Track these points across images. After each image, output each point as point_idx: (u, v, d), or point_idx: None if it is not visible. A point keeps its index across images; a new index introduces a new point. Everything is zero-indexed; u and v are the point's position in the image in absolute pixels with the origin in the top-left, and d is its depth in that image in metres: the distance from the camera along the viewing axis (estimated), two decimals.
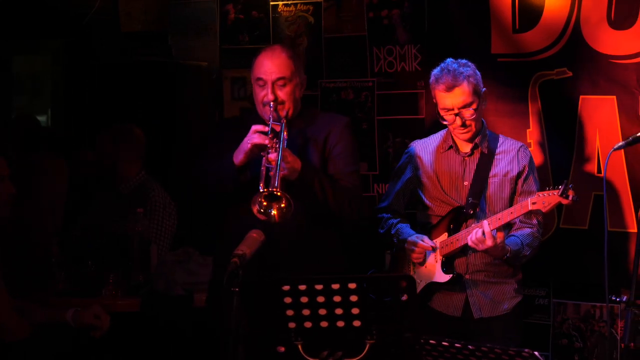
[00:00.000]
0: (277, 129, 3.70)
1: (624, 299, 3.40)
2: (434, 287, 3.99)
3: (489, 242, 3.75)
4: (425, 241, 3.95)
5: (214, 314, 3.81)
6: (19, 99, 7.32)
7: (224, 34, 5.62)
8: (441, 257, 3.96)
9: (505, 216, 3.82)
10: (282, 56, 3.80)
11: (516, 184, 3.98)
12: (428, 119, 4.99)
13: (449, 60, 3.95)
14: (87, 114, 5.80)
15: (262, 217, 3.51)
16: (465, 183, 3.99)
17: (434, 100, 3.98)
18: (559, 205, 3.79)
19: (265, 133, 3.64)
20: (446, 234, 3.96)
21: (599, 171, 4.51)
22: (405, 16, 5.13)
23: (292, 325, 2.87)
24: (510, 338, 3.92)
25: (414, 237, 3.98)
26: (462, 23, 4.91)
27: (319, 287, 2.81)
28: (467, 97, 3.88)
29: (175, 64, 5.71)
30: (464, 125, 3.91)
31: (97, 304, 3.91)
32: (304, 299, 2.82)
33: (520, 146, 4.04)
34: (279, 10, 5.45)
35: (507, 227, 3.93)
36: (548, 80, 4.66)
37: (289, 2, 5.43)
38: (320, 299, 2.81)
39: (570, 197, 3.71)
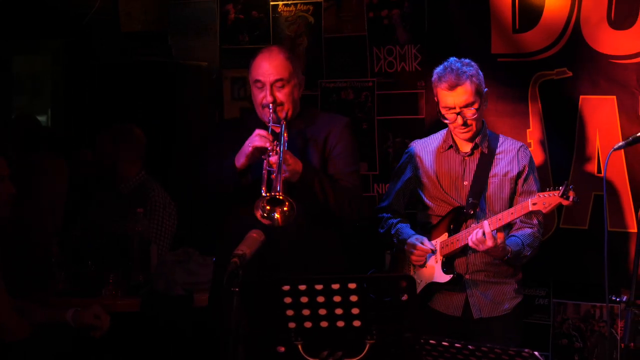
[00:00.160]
0: (277, 130, 3.70)
1: (624, 299, 3.40)
2: (434, 287, 3.99)
3: (489, 243, 3.75)
4: (424, 244, 3.95)
5: (214, 314, 3.81)
6: (19, 99, 7.32)
7: (224, 34, 5.62)
8: (441, 258, 3.96)
9: (505, 217, 3.81)
10: (279, 57, 3.79)
11: (516, 184, 3.98)
12: (428, 119, 4.99)
13: (452, 59, 3.95)
14: (87, 114, 5.80)
15: (266, 221, 3.51)
16: (465, 183, 3.99)
17: (436, 99, 3.98)
18: (560, 206, 3.79)
19: (266, 136, 3.63)
20: (446, 234, 3.96)
21: (599, 171, 4.51)
22: (405, 16, 5.13)
23: (292, 325, 2.86)
24: (510, 338, 3.92)
25: (413, 238, 3.98)
26: (462, 23, 4.91)
27: (319, 287, 2.80)
28: (469, 97, 3.88)
29: (175, 64, 5.71)
30: (465, 124, 3.91)
31: (97, 304, 3.91)
32: (304, 299, 2.82)
33: (521, 146, 4.04)
34: (279, 10, 5.45)
35: (508, 227, 3.93)
36: (548, 80, 4.66)
37: (289, 2, 5.43)
38: (320, 299, 2.81)
39: (570, 198, 3.71)
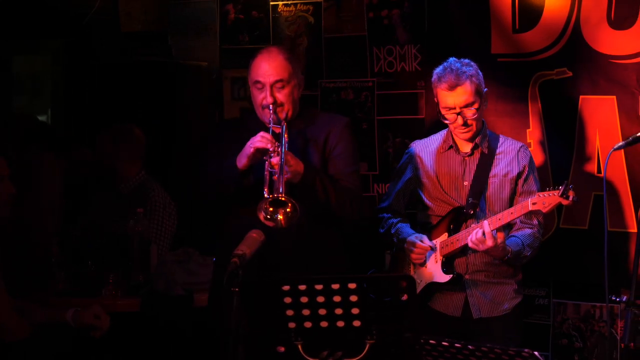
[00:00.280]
0: (278, 131, 3.70)
1: (624, 299, 3.40)
2: (434, 287, 3.99)
3: (489, 243, 3.75)
4: (424, 241, 3.95)
5: (214, 314, 3.81)
6: (19, 99, 7.31)
7: (224, 34, 5.62)
8: (441, 257, 3.96)
9: (505, 216, 3.81)
10: (279, 58, 3.79)
11: (516, 184, 3.98)
12: (428, 119, 4.99)
13: (451, 59, 3.95)
14: (87, 114, 5.79)
15: (269, 223, 3.52)
16: (465, 183, 3.99)
17: (436, 99, 3.98)
18: (559, 206, 3.79)
19: (267, 138, 3.63)
20: (446, 234, 3.96)
21: (599, 171, 4.51)
22: (405, 16, 5.13)
23: (292, 325, 2.87)
24: (510, 338, 3.92)
25: (413, 237, 3.98)
26: (462, 23, 4.91)
27: (318, 287, 2.80)
28: (469, 97, 3.88)
29: (175, 64, 5.70)
30: (465, 124, 3.91)
31: (97, 304, 3.90)
32: (304, 299, 2.82)
33: (521, 146, 4.04)
34: (279, 10, 5.45)
35: (508, 227, 3.93)
36: (548, 80, 4.66)
37: (289, 2, 5.43)
38: (320, 299, 2.81)
39: (570, 198, 3.71)
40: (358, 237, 4.36)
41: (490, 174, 3.98)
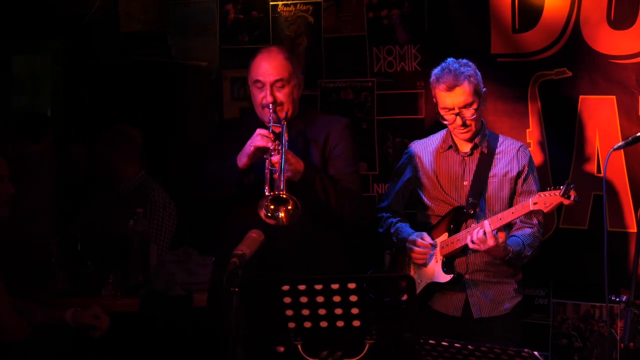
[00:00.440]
0: (278, 130, 3.70)
1: (624, 299, 3.40)
2: (434, 287, 3.99)
3: (490, 242, 3.74)
4: (424, 238, 3.95)
5: (214, 314, 3.81)
6: (19, 99, 7.30)
7: (224, 34, 5.62)
8: (441, 257, 3.96)
9: (506, 216, 3.81)
10: (279, 57, 3.80)
11: (516, 183, 3.98)
12: (428, 119, 4.99)
13: (450, 59, 3.95)
14: (87, 114, 5.79)
15: (270, 221, 3.51)
16: (465, 183, 3.99)
17: (434, 100, 3.98)
18: (560, 205, 3.79)
19: (267, 136, 3.64)
20: (446, 234, 3.96)
21: (599, 171, 4.51)
22: (405, 16, 5.13)
23: (291, 325, 2.87)
24: (510, 338, 3.92)
25: (414, 235, 3.98)
26: (461, 23, 4.91)
27: (318, 287, 2.81)
28: (468, 97, 3.88)
29: (175, 64, 5.70)
30: (464, 125, 3.91)
31: (96, 304, 3.91)
32: (304, 299, 2.82)
33: (520, 146, 4.04)
34: (279, 10, 5.45)
35: (508, 227, 3.93)
36: (548, 80, 4.66)
37: (289, 2, 5.43)
38: (320, 299, 2.81)
39: (572, 198, 3.71)
40: (358, 237, 4.36)
41: (490, 174, 3.98)
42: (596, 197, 4.51)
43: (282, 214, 3.53)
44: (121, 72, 5.67)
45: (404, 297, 2.81)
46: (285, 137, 3.66)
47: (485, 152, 4.00)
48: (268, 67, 3.77)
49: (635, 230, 4.43)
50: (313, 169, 3.75)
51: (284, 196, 3.51)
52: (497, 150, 4.01)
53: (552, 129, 4.67)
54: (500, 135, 4.08)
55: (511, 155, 4.00)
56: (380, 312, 2.83)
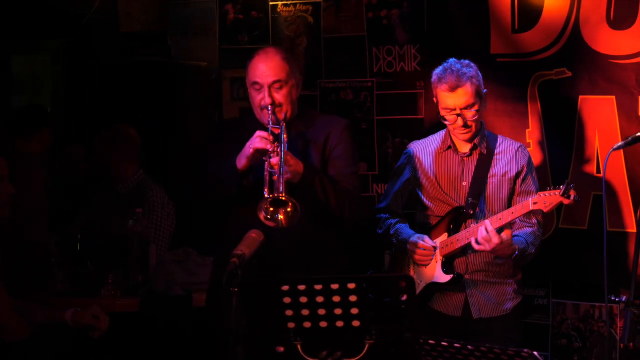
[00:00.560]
0: (277, 132, 3.70)
1: (623, 299, 3.40)
2: (433, 287, 3.99)
3: (495, 240, 3.72)
4: (426, 241, 3.95)
5: (214, 314, 3.81)
6: (18, 99, 7.30)
7: (223, 34, 5.62)
8: (441, 257, 3.96)
9: (506, 216, 3.81)
10: (276, 58, 3.79)
11: (514, 183, 3.98)
12: (427, 119, 4.99)
13: (451, 60, 3.94)
14: (86, 114, 5.80)
15: (270, 223, 3.51)
16: (464, 183, 3.99)
17: (435, 100, 3.97)
18: (560, 205, 3.79)
19: (266, 138, 3.63)
20: (446, 234, 3.96)
21: (598, 171, 4.51)
22: (404, 16, 5.14)
23: (291, 325, 2.87)
24: (510, 338, 3.92)
25: (415, 237, 3.98)
26: (461, 23, 4.91)
27: (318, 287, 2.80)
28: (470, 98, 3.88)
29: (174, 64, 5.71)
30: (465, 125, 3.91)
31: (95, 305, 3.90)
32: (303, 299, 2.82)
33: (519, 146, 4.04)
34: (278, 10, 5.46)
35: (508, 227, 3.92)
36: (547, 80, 4.66)
37: (288, 2, 5.43)
38: (320, 299, 2.81)
39: (572, 197, 3.70)
40: (357, 237, 4.36)
41: (489, 174, 3.98)
42: (596, 197, 4.51)
43: (281, 216, 3.53)
44: (121, 72, 5.67)
45: (404, 297, 2.82)
46: (284, 138, 3.66)
47: (484, 152, 4.00)
48: (265, 68, 3.76)
49: (634, 230, 4.42)
50: (312, 170, 3.75)
51: (283, 198, 3.50)
52: (496, 151, 4.01)
53: (552, 129, 4.67)
54: (499, 136, 4.08)
55: (510, 155, 4.00)
56: (380, 312, 2.83)
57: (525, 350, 2.74)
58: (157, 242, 4.73)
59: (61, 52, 6.77)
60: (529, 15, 4.68)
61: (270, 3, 5.47)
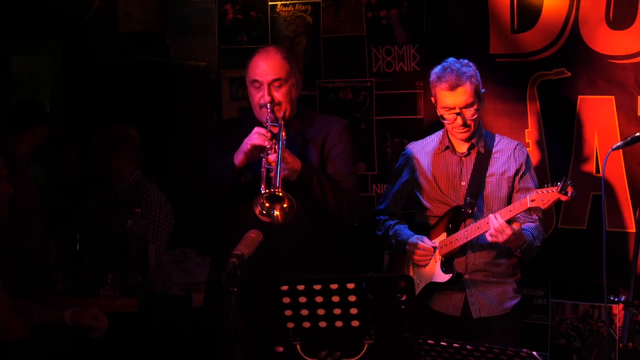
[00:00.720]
0: (275, 130, 3.70)
1: (622, 299, 3.40)
2: (433, 287, 3.99)
3: (508, 231, 3.72)
4: (425, 242, 3.95)
5: (211, 314, 3.81)
6: (18, 99, 7.31)
7: (223, 34, 5.62)
8: (440, 257, 3.96)
9: (504, 214, 3.81)
10: (276, 57, 3.79)
11: (513, 182, 3.98)
12: (426, 119, 4.99)
13: (451, 59, 3.94)
14: (86, 114, 5.80)
15: (265, 218, 3.50)
16: (463, 183, 3.99)
17: (433, 99, 3.97)
18: (558, 204, 3.79)
19: (265, 134, 3.63)
20: (445, 233, 3.96)
21: (598, 171, 4.51)
22: (403, 16, 5.14)
23: (290, 325, 2.87)
24: (509, 338, 3.92)
25: (414, 238, 3.98)
26: (460, 23, 4.91)
27: (317, 287, 2.81)
28: (469, 97, 3.88)
29: (174, 64, 5.71)
30: (464, 124, 3.91)
31: (94, 305, 3.90)
32: (303, 299, 2.82)
33: (517, 145, 4.04)
34: (278, 10, 5.46)
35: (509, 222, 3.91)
36: (546, 80, 4.66)
37: (288, 2, 5.43)
38: (319, 299, 2.82)
39: (569, 194, 3.70)
40: (357, 237, 4.36)
41: (488, 173, 3.98)
42: (595, 197, 4.51)
43: (277, 212, 3.52)
44: (120, 72, 5.67)
45: (403, 297, 2.82)
46: (282, 135, 3.66)
47: (482, 151, 3.99)
48: (265, 66, 3.76)
49: (634, 230, 4.42)
50: (311, 168, 3.75)
51: (280, 194, 3.49)
52: (493, 150, 4.01)
53: (551, 129, 4.67)
54: (496, 135, 4.08)
55: (508, 154, 4.00)
56: (379, 312, 2.84)
57: (525, 350, 2.74)
58: (155, 242, 4.72)
59: (61, 52, 6.76)
60: (528, 16, 4.68)
61: (270, 3, 5.47)
